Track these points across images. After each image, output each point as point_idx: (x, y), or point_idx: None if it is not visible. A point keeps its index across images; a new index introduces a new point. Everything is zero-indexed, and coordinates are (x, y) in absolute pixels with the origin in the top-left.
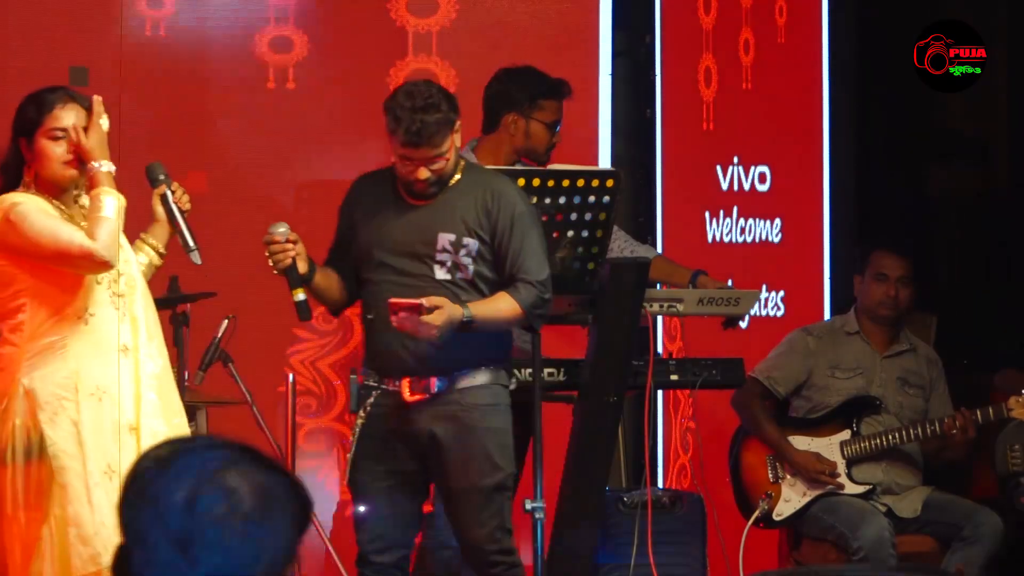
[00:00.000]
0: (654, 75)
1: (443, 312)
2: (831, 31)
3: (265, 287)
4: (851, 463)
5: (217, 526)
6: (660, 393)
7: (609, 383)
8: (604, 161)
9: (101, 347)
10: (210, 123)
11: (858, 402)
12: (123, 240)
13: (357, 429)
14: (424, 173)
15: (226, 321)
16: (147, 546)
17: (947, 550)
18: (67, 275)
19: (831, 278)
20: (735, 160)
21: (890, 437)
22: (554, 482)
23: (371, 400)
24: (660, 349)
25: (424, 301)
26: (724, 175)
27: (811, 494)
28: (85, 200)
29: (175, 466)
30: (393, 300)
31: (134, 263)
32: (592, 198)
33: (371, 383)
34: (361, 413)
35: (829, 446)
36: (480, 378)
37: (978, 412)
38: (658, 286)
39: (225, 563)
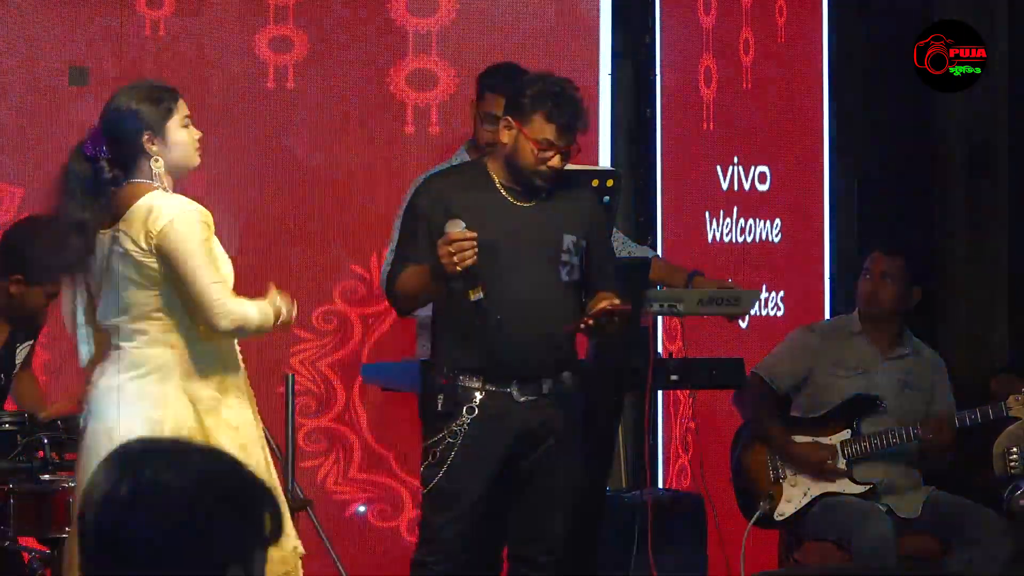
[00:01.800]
0: (654, 75)
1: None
2: (831, 31)
3: (264, 288)
4: (852, 463)
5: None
6: (660, 394)
7: (609, 384)
8: (604, 161)
9: (235, 351)
10: (210, 123)
11: (859, 401)
12: None
13: (460, 430)
14: (559, 162)
15: None
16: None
17: (948, 550)
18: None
19: (831, 278)
20: (735, 160)
21: (891, 437)
22: None
23: (475, 402)
24: (660, 349)
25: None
26: (724, 175)
27: (812, 494)
28: None
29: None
30: (611, 307)
31: None
32: None
33: (470, 385)
34: (465, 415)
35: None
36: (577, 379)
37: (977, 412)
38: (657, 287)
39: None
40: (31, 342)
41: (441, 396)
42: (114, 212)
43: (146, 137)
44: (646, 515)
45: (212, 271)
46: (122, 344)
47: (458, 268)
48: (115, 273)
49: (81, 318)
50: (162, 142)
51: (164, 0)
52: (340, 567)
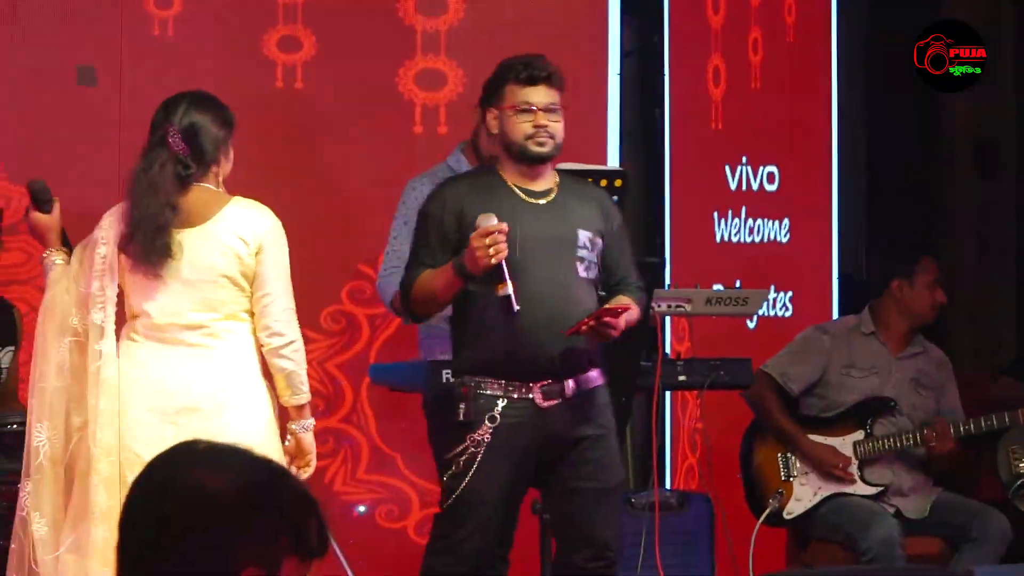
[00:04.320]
0: (662, 75)
1: (631, 313)
2: (840, 30)
3: None
4: (863, 463)
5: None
6: (668, 394)
7: (618, 384)
8: (612, 161)
9: None
10: None
11: (872, 403)
12: None
13: (483, 439)
14: (543, 119)
15: None
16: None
17: (955, 551)
18: None
19: (839, 278)
20: (743, 160)
21: (903, 439)
22: None
23: (497, 410)
24: (668, 350)
25: (625, 303)
26: (732, 175)
27: (822, 493)
28: None
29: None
30: (609, 306)
31: None
32: None
33: (490, 391)
34: (487, 423)
35: (842, 446)
36: (599, 379)
37: (982, 420)
38: (666, 286)
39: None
40: (12, 348)
41: (463, 405)
42: (192, 212)
43: (222, 148)
44: (654, 516)
45: (290, 285)
46: (201, 341)
47: (493, 261)
48: (210, 270)
49: (111, 312)
50: (226, 156)
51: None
52: (347, 568)
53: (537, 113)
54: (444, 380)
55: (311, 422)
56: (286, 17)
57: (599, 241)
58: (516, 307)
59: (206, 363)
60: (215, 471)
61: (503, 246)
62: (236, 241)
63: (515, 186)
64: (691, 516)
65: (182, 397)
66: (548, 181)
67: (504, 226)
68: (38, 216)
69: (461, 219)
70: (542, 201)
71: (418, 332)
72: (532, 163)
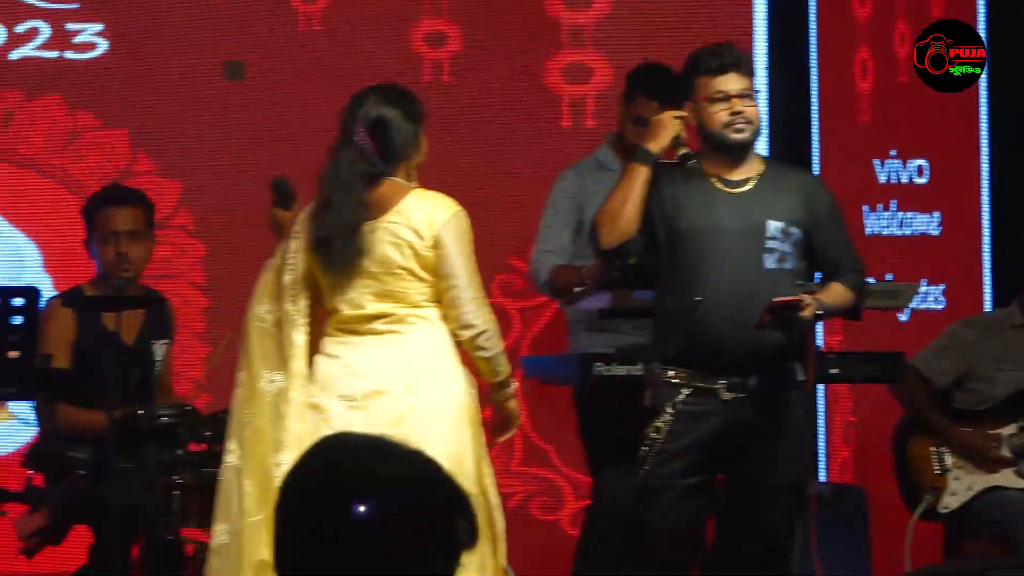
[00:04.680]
0: (809, 67)
1: (812, 307)
2: (988, 20)
3: None
4: (1019, 457)
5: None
6: (821, 387)
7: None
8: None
9: None
10: None
11: None
12: None
13: (665, 426)
14: (739, 105)
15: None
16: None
17: None
18: None
19: (992, 271)
20: (892, 153)
21: None
22: None
23: (680, 397)
24: (820, 343)
25: (804, 297)
26: (881, 168)
27: (977, 488)
28: None
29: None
30: (777, 300)
31: None
32: None
33: (677, 379)
34: (669, 410)
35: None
36: (792, 375)
37: None
38: (815, 280)
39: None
40: (166, 341)
41: (648, 392)
42: (376, 205)
43: (414, 141)
44: (809, 510)
45: (476, 271)
46: (387, 328)
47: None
48: (388, 263)
49: (303, 305)
50: (418, 148)
51: None
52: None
53: (732, 100)
54: (595, 373)
55: (511, 389)
56: (432, 11)
57: (795, 231)
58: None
59: (393, 348)
60: (368, 466)
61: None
62: (410, 234)
63: (713, 176)
64: (845, 510)
65: (369, 381)
66: (749, 170)
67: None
68: (279, 212)
69: (660, 202)
70: (739, 190)
71: (566, 325)
72: (733, 151)
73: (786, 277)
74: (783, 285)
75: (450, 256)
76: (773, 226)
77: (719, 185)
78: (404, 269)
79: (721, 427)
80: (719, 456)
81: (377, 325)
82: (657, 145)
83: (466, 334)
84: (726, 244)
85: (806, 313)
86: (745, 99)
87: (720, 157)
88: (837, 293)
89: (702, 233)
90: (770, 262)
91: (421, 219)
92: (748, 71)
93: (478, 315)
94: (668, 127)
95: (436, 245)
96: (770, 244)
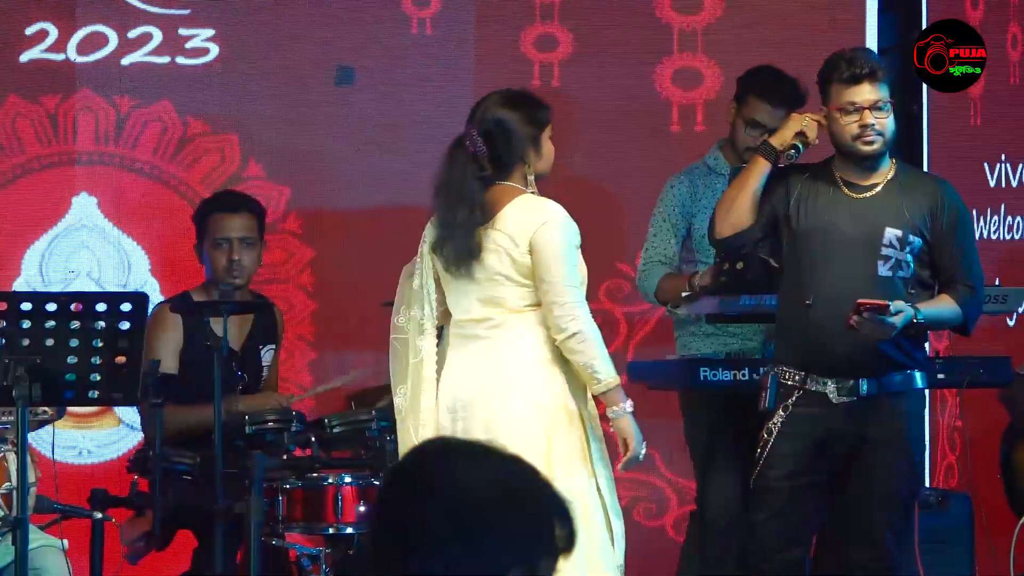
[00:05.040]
0: None
1: (903, 313)
2: None
3: None
4: None
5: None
6: (927, 392)
7: None
8: None
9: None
10: None
11: None
12: None
13: (775, 427)
14: (869, 118)
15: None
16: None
17: None
18: (582, 270)
19: None
20: (1003, 157)
21: None
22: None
23: (792, 400)
24: (927, 348)
25: (892, 303)
26: (991, 172)
27: None
28: None
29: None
30: (862, 300)
31: None
32: None
33: (791, 382)
34: (780, 412)
35: None
36: (904, 382)
37: None
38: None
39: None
40: (273, 346)
41: (763, 393)
42: (488, 210)
43: (528, 146)
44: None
45: (574, 276)
46: (487, 334)
47: (808, 126)
48: (488, 269)
49: (430, 311)
50: (536, 153)
51: None
52: None
53: (863, 112)
54: (701, 378)
55: (621, 407)
56: (543, 15)
57: (915, 239)
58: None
59: (490, 354)
60: (469, 471)
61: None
62: (507, 240)
63: (841, 178)
64: (951, 515)
65: (464, 390)
66: (879, 175)
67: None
68: None
69: (787, 203)
70: (864, 195)
71: (673, 330)
72: (861, 160)
73: (900, 285)
74: (896, 293)
75: (543, 261)
76: (890, 233)
77: (845, 189)
78: (502, 275)
79: (831, 431)
80: (829, 460)
81: (481, 330)
82: (779, 140)
83: (559, 338)
84: (841, 248)
85: (895, 319)
86: (877, 111)
87: (850, 163)
88: (941, 304)
89: (819, 236)
90: (884, 269)
91: (516, 225)
92: (883, 81)
93: (571, 319)
94: (793, 125)
95: (531, 250)
96: (885, 251)
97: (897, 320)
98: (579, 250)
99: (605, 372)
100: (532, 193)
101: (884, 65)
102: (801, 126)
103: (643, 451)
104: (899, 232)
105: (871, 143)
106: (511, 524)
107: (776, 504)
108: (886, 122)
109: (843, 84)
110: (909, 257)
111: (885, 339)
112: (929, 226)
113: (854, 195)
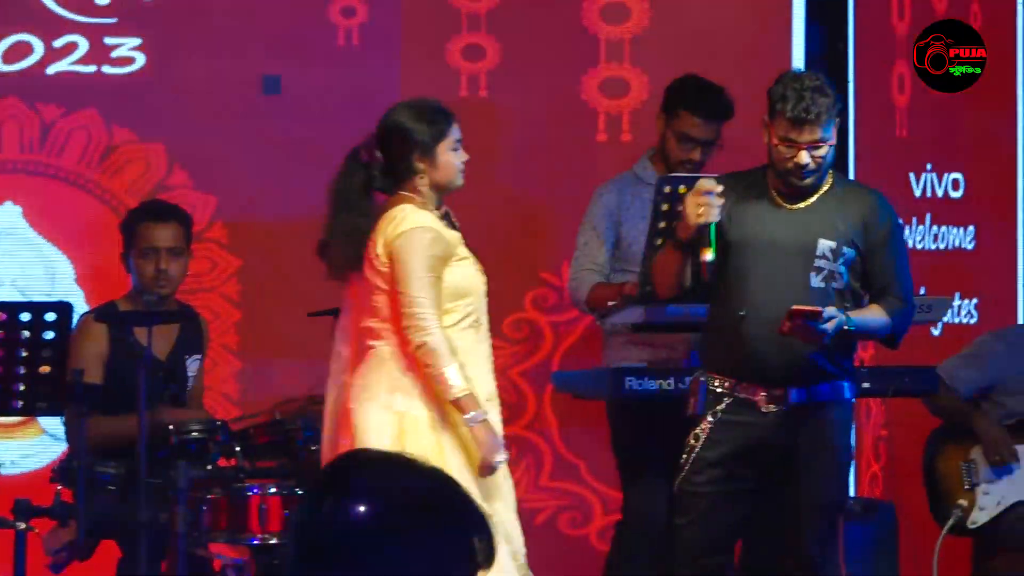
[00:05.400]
0: (847, 82)
1: (835, 321)
2: None
3: None
4: None
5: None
6: (852, 401)
7: None
8: None
9: (487, 355)
10: None
11: None
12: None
13: (703, 433)
14: (805, 158)
15: None
16: None
17: None
18: (468, 288)
19: None
20: (928, 167)
21: None
22: None
23: (721, 407)
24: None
25: (824, 310)
26: (917, 182)
27: (1007, 502)
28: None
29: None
30: (796, 307)
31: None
32: None
33: (720, 389)
34: (709, 418)
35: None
36: (832, 392)
37: None
38: None
39: None
40: (199, 356)
41: (691, 400)
42: (373, 219)
43: (416, 156)
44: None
45: (425, 287)
46: (373, 343)
47: (698, 220)
48: (366, 278)
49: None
50: (430, 162)
51: (357, 8)
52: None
53: (800, 152)
54: (627, 387)
55: (473, 415)
56: (470, 25)
57: (849, 251)
58: (699, 283)
59: (364, 364)
60: (386, 482)
61: (712, 209)
62: (375, 249)
63: (774, 189)
64: (875, 524)
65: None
66: (814, 188)
67: (718, 188)
68: None
69: (722, 215)
70: (799, 206)
71: (602, 339)
72: (788, 184)
73: (833, 296)
74: (828, 304)
75: (399, 272)
76: (824, 245)
77: (779, 199)
78: (375, 284)
79: (759, 440)
80: (756, 468)
81: (365, 340)
82: (684, 231)
83: (411, 348)
84: (774, 259)
85: (828, 326)
86: (814, 148)
87: (779, 180)
88: (871, 314)
89: (752, 247)
90: (817, 280)
91: (381, 235)
92: (828, 121)
93: (418, 330)
94: (691, 209)
95: (390, 261)
96: (819, 263)
97: (829, 327)
98: (450, 261)
99: (454, 381)
100: (420, 204)
101: (835, 103)
102: (697, 210)
103: (498, 459)
104: (832, 244)
105: (804, 177)
106: (426, 537)
107: (699, 509)
108: (823, 157)
109: (786, 120)
110: (842, 268)
111: (817, 345)
112: (863, 238)
113: (788, 206)
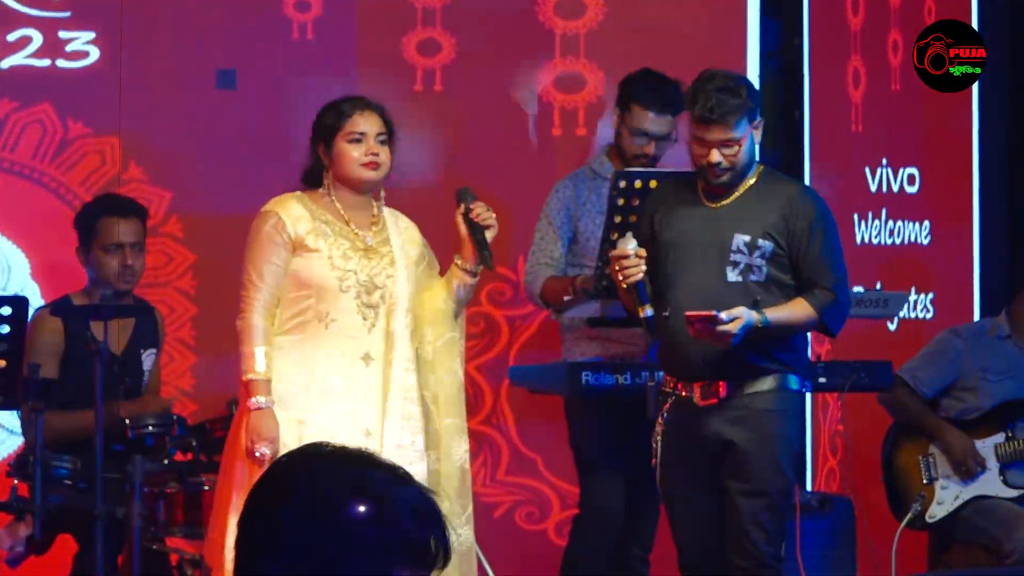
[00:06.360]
0: (802, 77)
1: (740, 320)
2: (980, 31)
3: None
4: (1005, 466)
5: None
6: (809, 396)
7: None
8: None
9: (341, 352)
10: None
11: (1013, 405)
12: (399, 255)
13: (659, 436)
14: (715, 156)
15: None
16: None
17: None
18: (307, 280)
19: (981, 280)
20: (884, 162)
21: None
22: None
23: (667, 407)
24: (809, 352)
25: (723, 313)
26: (873, 177)
27: (964, 496)
28: (376, 208)
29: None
30: (688, 313)
31: (402, 282)
32: None
33: (667, 389)
34: (660, 420)
35: (983, 448)
36: (768, 383)
37: None
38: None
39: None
40: (154, 350)
41: (649, 401)
42: None
43: (321, 149)
44: (795, 519)
45: (255, 270)
46: (278, 336)
47: (624, 284)
48: None
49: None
50: (329, 155)
51: (312, 3)
52: (488, 569)
53: (711, 150)
54: (583, 382)
55: (253, 401)
56: (425, 20)
57: (766, 244)
58: (651, 334)
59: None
60: (330, 476)
61: (634, 270)
62: None
63: (703, 188)
64: (833, 518)
65: None
66: (740, 185)
67: (639, 252)
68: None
69: (650, 220)
70: (720, 203)
71: (560, 333)
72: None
73: (752, 289)
74: (746, 297)
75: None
76: (739, 239)
77: (704, 198)
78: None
79: (701, 434)
80: (708, 463)
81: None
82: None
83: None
84: (693, 257)
85: (731, 327)
86: (726, 147)
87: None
88: (792, 308)
89: (676, 246)
90: (733, 275)
91: None
92: (740, 120)
93: (240, 311)
94: (618, 282)
95: None
96: (734, 257)
97: (733, 327)
98: (299, 251)
99: (247, 364)
100: (316, 196)
101: (747, 102)
102: (620, 276)
103: (263, 450)
104: (747, 237)
105: (717, 176)
106: (367, 532)
107: (678, 511)
108: (737, 156)
109: (695, 119)
110: (760, 261)
111: (726, 346)
112: (783, 230)
113: (711, 204)
